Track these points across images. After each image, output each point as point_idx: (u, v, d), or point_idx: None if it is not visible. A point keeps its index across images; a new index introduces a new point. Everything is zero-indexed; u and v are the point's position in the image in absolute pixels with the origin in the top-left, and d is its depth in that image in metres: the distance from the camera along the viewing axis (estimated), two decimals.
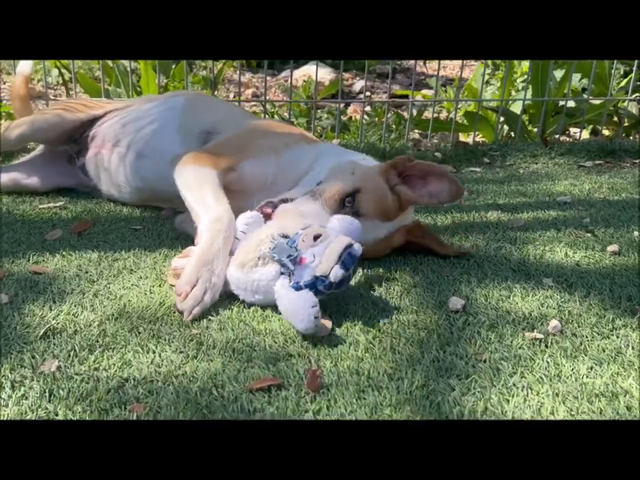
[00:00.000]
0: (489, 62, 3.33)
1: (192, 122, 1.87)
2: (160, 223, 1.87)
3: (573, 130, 3.55)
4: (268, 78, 4.03)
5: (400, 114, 3.05)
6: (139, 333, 1.25)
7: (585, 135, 3.23)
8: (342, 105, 3.47)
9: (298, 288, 1.27)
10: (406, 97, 4.14)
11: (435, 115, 2.84)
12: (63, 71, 5.11)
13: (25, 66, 2.33)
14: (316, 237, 1.30)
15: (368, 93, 4.95)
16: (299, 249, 1.30)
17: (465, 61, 2.98)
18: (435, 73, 3.41)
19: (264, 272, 1.32)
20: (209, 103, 2.09)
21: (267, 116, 2.95)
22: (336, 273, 1.26)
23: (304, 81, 3.82)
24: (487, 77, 3.17)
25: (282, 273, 1.31)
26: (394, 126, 2.87)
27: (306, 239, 1.30)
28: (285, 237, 1.34)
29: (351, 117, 3.46)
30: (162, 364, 1.15)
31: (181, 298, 1.30)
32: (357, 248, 1.32)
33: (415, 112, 3.04)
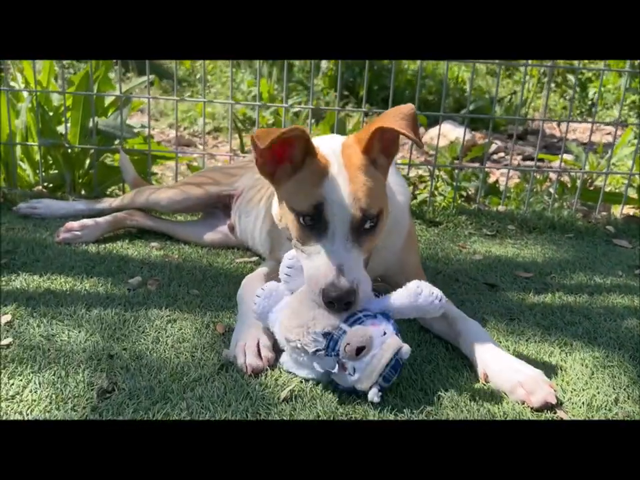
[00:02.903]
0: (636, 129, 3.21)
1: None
2: None
3: None
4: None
5: (563, 182, 2.99)
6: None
7: None
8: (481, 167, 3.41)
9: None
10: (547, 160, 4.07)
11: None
12: (208, 120, 5.44)
13: None
14: (359, 350, 1.21)
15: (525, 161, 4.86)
16: (341, 356, 1.23)
17: (596, 125, 2.87)
18: (564, 135, 3.25)
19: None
20: None
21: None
22: (374, 394, 1.21)
23: (451, 142, 3.84)
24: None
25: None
26: (556, 195, 2.81)
27: (349, 350, 1.21)
28: (326, 334, 1.25)
29: (497, 180, 3.43)
30: None
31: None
32: (405, 352, 1.24)
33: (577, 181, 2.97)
